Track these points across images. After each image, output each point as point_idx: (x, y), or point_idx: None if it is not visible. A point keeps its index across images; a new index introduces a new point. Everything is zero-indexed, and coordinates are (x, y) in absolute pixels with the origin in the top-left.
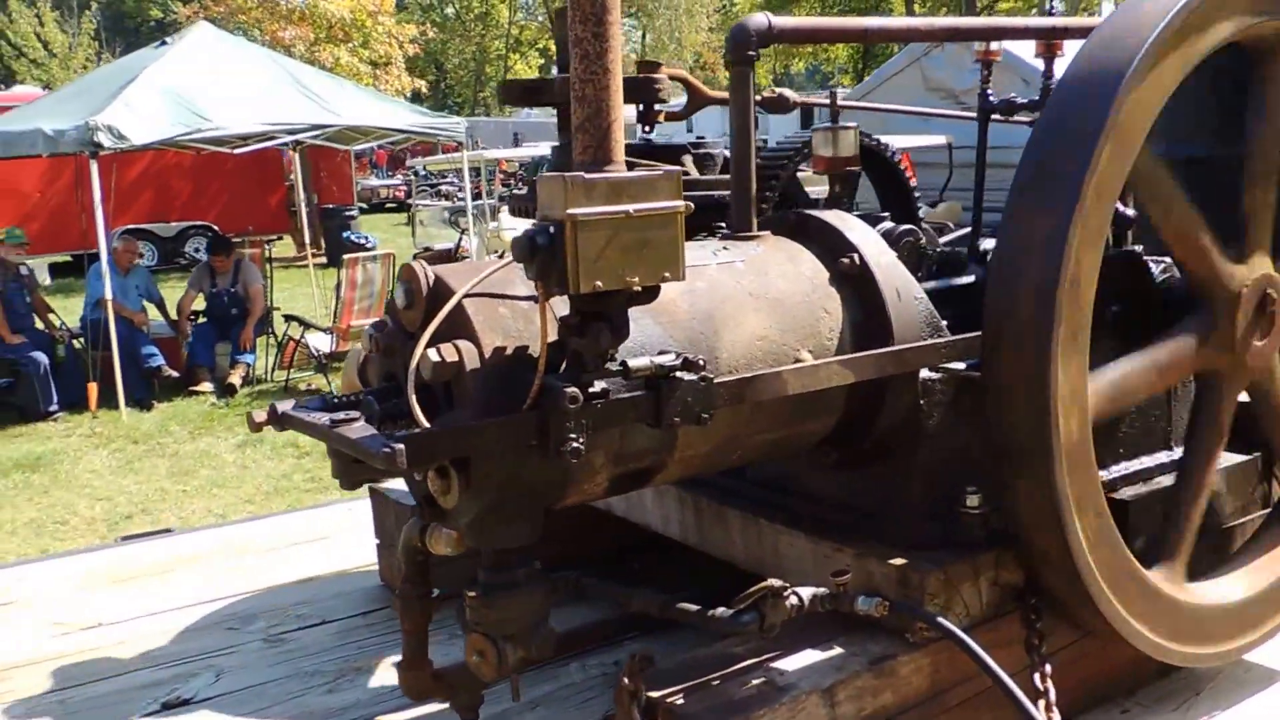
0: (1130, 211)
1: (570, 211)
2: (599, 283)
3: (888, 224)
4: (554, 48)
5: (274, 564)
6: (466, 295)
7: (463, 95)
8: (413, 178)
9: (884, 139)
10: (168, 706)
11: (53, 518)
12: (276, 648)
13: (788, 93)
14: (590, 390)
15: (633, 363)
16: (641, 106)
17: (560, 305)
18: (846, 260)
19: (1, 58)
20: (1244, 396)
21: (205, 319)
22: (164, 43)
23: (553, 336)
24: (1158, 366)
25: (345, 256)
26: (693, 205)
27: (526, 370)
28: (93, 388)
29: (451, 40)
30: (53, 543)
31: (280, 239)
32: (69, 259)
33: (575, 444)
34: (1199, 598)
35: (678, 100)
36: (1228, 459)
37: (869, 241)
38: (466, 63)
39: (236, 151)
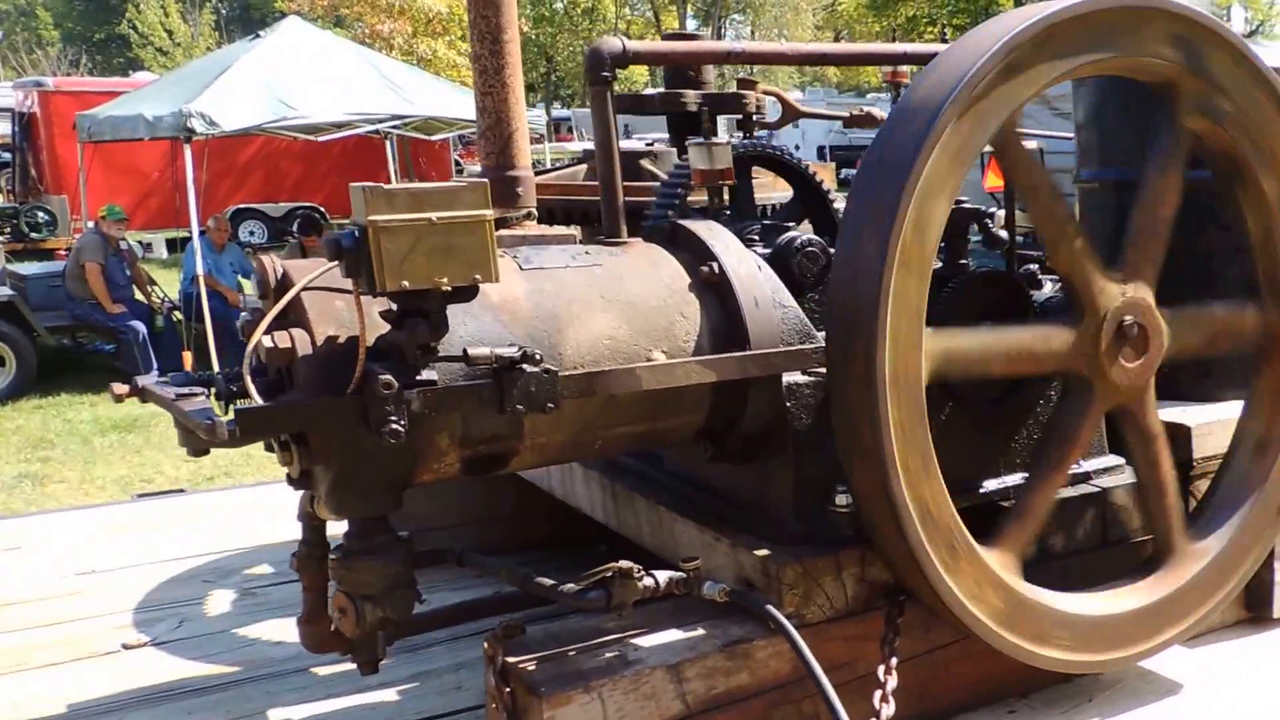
0: (1003, 233)
1: (371, 218)
2: (406, 282)
3: (793, 233)
4: (659, 39)
5: (274, 524)
6: (305, 288)
7: (572, 87)
8: None
9: None
10: (127, 646)
11: (141, 475)
12: (245, 600)
13: (876, 112)
14: (418, 378)
15: (473, 351)
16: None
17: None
18: (706, 268)
19: (130, 46)
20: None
21: None
22: (258, 35)
23: (384, 329)
24: (1008, 347)
25: None
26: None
27: (355, 358)
28: (187, 356)
29: (560, 33)
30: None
31: None
32: (184, 235)
33: (395, 425)
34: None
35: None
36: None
37: (731, 251)
38: (575, 55)
39: (321, 140)
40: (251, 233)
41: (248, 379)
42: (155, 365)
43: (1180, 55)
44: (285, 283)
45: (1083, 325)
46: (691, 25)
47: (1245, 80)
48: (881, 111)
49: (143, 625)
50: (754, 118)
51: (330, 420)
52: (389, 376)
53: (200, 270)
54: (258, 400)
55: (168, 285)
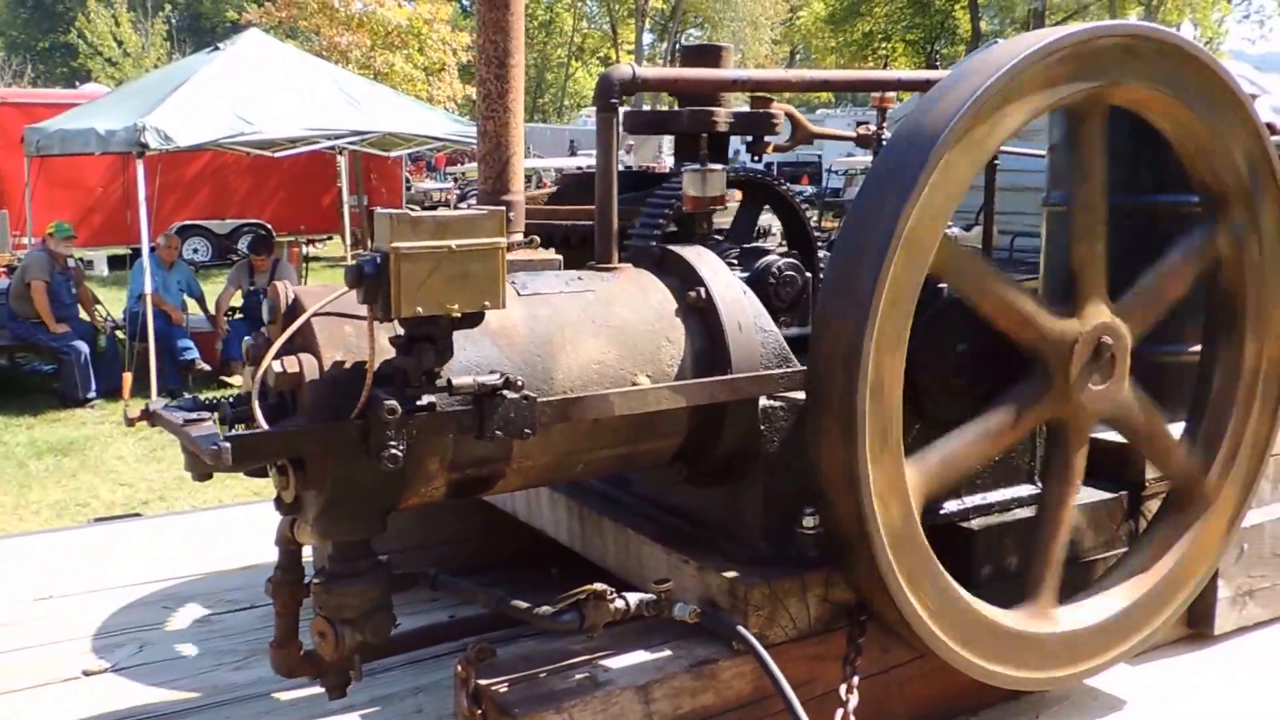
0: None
1: (394, 245)
2: (420, 308)
3: (771, 257)
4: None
5: (231, 549)
6: (315, 314)
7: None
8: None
9: None
10: (88, 673)
11: (76, 500)
12: (204, 627)
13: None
14: (417, 403)
15: (456, 380)
16: (751, 138)
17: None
18: (694, 293)
19: (78, 56)
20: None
21: (242, 315)
22: (216, 48)
23: (391, 354)
24: (989, 434)
25: None
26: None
27: (361, 383)
28: (127, 377)
29: None
30: (71, 524)
31: (331, 239)
32: (128, 252)
33: (394, 450)
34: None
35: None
36: (1090, 495)
37: (718, 276)
38: (528, 69)
39: (278, 155)
40: (195, 250)
41: (254, 403)
42: (94, 387)
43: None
44: (295, 309)
45: (1053, 380)
46: (649, 39)
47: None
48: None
49: (103, 651)
50: (764, 138)
51: (331, 445)
52: (394, 402)
53: (148, 288)
54: (263, 425)
55: (111, 303)
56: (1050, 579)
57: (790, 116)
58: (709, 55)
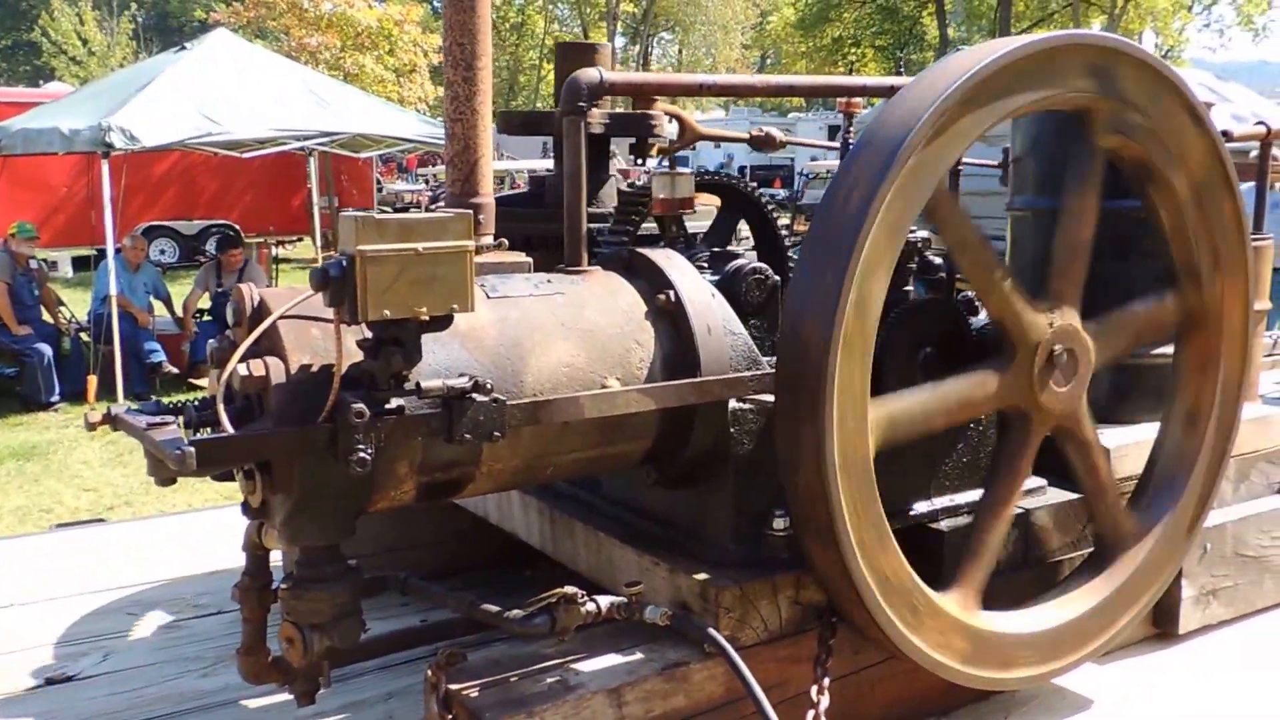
0: (939, 260)
1: (360, 248)
2: (387, 311)
3: (740, 260)
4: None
5: (196, 555)
6: (282, 316)
7: (497, 103)
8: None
9: None
10: (51, 681)
11: (39, 506)
12: (169, 633)
13: (775, 133)
14: (385, 407)
15: (425, 383)
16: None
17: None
18: (663, 296)
19: (42, 54)
20: None
21: (209, 317)
22: (183, 47)
23: (358, 357)
24: (947, 401)
25: None
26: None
27: (328, 386)
28: (92, 380)
29: None
30: (34, 530)
31: (301, 240)
32: (93, 253)
33: (362, 454)
34: (997, 625)
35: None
36: (1056, 496)
37: (687, 279)
38: (499, 71)
39: (246, 156)
40: (163, 251)
41: (219, 407)
42: (58, 390)
43: (1094, 83)
44: (262, 311)
45: (1015, 364)
46: (620, 43)
47: (1154, 90)
48: (779, 132)
49: (66, 659)
50: (649, 140)
51: (298, 449)
52: (361, 405)
53: (114, 290)
54: (228, 429)
55: (75, 305)
56: (976, 575)
57: (677, 118)
58: (585, 53)
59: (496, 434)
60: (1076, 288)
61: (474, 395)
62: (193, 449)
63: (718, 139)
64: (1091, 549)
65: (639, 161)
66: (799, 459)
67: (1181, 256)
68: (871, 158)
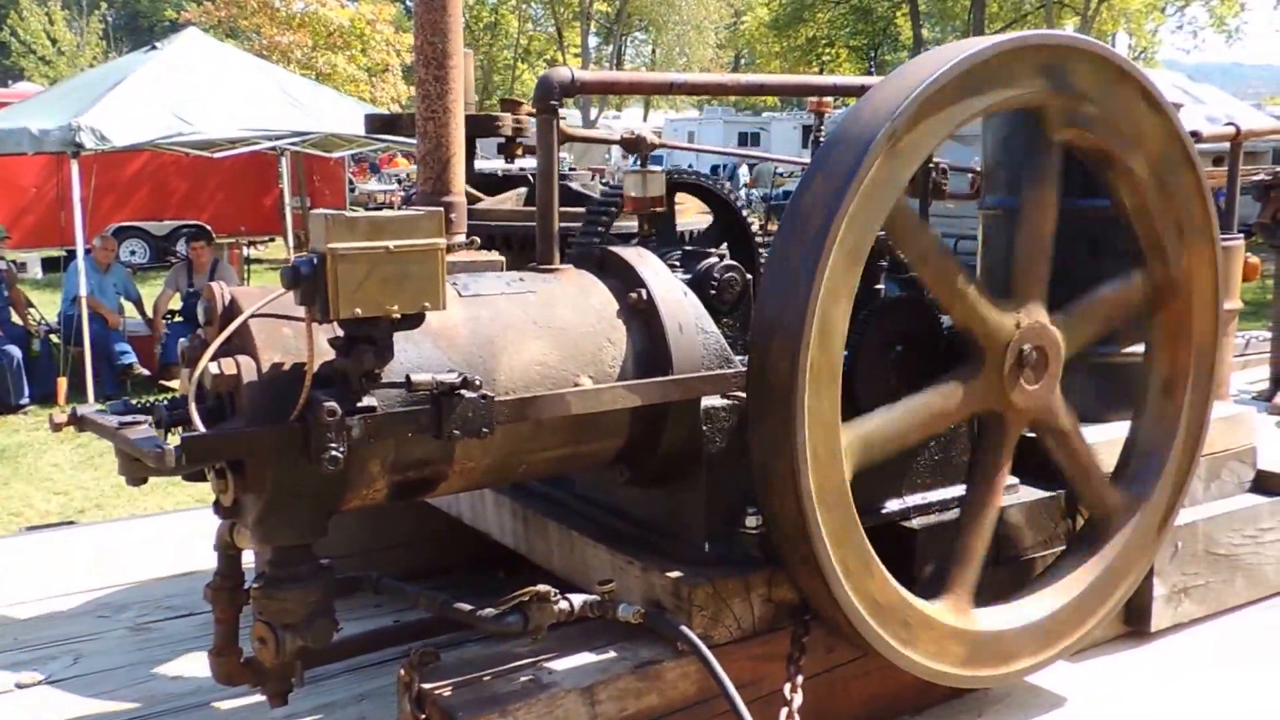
0: None
1: (330, 246)
2: (358, 309)
3: (712, 259)
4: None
5: (167, 557)
6: (253, 315)
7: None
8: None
9: None
10: (21, 685)
11: (8, 509)
12: (140, 635)
13: (647, 134)
14: (359, 405)
15: (416, 378)
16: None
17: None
18: (635, 295)
19: (11, 54)
20: None
21: (180, 318)
22: (154, 47)
23: (330, 356)
24: (920, 415)
25: None
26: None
27: (300, 385)
28: (62, 382)
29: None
30: (4, 533)
31: (273, 240)
32: (62, 254)
33: (334, 452)
34: (992, 624)
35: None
36: (1030, 494)
37: (659, 278)
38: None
39: (217, 156)
40: (133, 252)
41: (191, 406)
42: (27, 392)
43: (1045, 80)
44: (233, 310)
45: (984, 368)
46: (594, 42)
47: (1105, 80)
48: (652, 135)
49: (36, 663)
50: (516, 140)
51: (271, 447)
52: (333, 403)
53: (83, 291)
54: (200, 427)
55: (44, 306)
56: (965, 579)
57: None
58: (513, 107)
59: (485, 430)
60: (1041, 284)
61: (463, 391)
62: (173, 447)
63: (589, 140)
64: (1064, 547)
65: (508, 160)
66: (776, 492)
67: (1146, 234)
68: (824, 188)
